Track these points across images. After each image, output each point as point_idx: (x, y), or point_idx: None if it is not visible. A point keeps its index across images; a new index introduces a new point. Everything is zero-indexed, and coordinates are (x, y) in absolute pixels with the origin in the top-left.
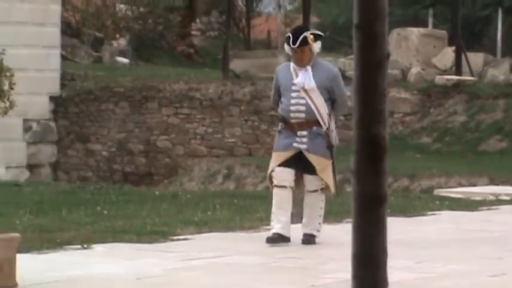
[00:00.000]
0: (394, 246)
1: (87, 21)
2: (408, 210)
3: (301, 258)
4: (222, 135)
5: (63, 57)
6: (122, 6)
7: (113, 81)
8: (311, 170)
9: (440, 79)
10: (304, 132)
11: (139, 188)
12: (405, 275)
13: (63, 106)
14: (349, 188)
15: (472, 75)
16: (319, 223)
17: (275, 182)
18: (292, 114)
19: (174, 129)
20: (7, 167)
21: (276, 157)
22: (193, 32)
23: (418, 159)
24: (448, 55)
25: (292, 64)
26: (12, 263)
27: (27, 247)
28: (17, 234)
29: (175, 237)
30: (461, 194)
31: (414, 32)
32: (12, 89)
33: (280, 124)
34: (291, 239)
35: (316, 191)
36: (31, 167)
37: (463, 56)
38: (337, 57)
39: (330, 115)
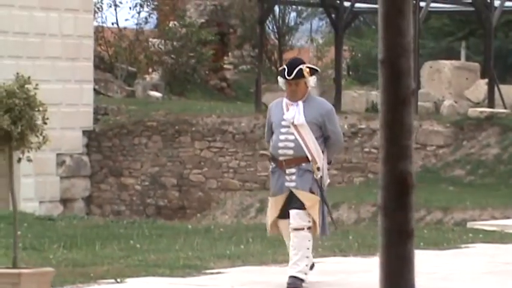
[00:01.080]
0: (427, 279)
1: (119, 55)
2: (441, 243)
3: None
4: (254, 169)
5: (96, 92)
6: (154, 40)
7: (145, 115)
8: (298, 205)
9: (473, 111)
10: (293, 170)
11: (172, 222)
12: None
13: (96, 140)
14: None
15: (505, 107)
16: (307, 265)
17: (283, 235)
18: (280, 151)
19: (206, 163)
20: (41, 202)
21: (274, 203)
22: (225, 66)
23: (451, 191)
24: (480, 87)
25: (285, 99)
26: None
27: (60, 281)
28: (50, 269)
29: (208, 271)
30: (495, 226)
31: (447, 64)
32: (45, 123)
33: (271, 164)
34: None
35: (302, 229)
36: (64, 201)
37: (495, 88)
38: (369, 90)
39: (322, 153)
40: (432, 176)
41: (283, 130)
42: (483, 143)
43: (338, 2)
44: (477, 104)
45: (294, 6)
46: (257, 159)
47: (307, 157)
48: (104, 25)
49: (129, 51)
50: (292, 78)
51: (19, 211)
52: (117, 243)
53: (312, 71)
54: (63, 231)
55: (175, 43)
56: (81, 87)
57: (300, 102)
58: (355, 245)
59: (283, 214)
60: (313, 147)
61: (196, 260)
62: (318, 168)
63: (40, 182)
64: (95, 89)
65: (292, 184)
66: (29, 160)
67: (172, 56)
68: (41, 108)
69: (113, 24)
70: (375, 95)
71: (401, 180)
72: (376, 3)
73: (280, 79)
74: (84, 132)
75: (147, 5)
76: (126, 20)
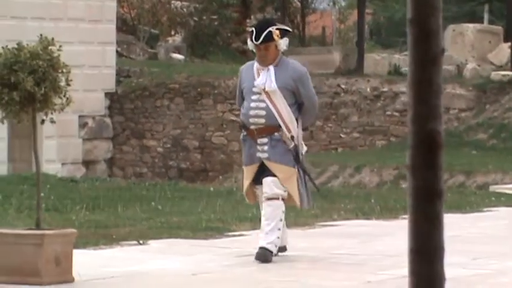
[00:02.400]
0: (450, 242)
1: (142, 17)
2: (464, 206)
3: (357, 255)
4: None
5: (119, 54)
6: (177, 2)
7: (168, 77)
8: (272, 173)
9: (495, 75)
10: (265, 140)
11: (194, 184)
12: (461, 271)
13: (118, 102)
14: (404, 185)
15: None
16: (278, 237)
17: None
18: (251, 120)
19: (229, 126)
20: (63, 163)
21: (246, 172)
22: (248, 29)
23: (473, 155)
24: (503, 51)
25: (255, 63)
26: (68, 258)
27: (83, 243)
28: (73, 230)
29: (230, 234)
30: None
31: (470, 28)
32: (69, 85)
33: (242, 131)
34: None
35: (277, 198)
36: (87, 163)
37: None
38: (392, 54)
39: (296, 120)
40: (454, 139)
41: (253, 97)
42: (506, 107)
43: None
44: (500, 68)
45: None
46: None
47: (279, 126)
48: None
49: (152, 13)
50: (261, 42)
51: (42, 173)
52: (140, 205)
53: (283, 33)
54: (85, 192)
55: (197, 5)
56: (104, 49)
57: (271, 67)
58: (378, 208)
59: (258, 181)
60: (286, 115)
61: (219, 223)
62: (292, 137)
63: (62, 144)
64: (117, 51)
65: (265, 155)
66: (52, 122)
67: (195, 18)
68: (64, 70)
69: None
70: (398, 58)
71: (430, 140)
72: None
73: (249, 43)
74: (106, 94)
75: None
76: None
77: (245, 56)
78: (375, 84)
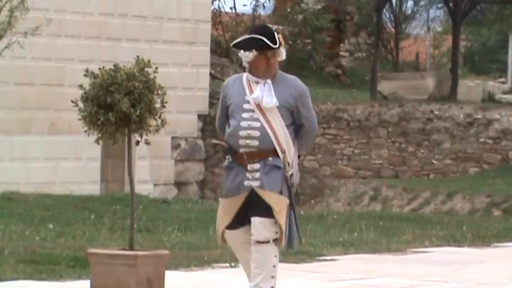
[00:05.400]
0: None
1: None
2: None
3: (447, 282)
4: (368, 157)
5: (212, 76)
6: (271, 26)
7: None
8: (263, 211)
9: None
10: (257, 165)
11: None
12: None
13: (211, 124)
14: (496, 212)
15: None
16: (272, 287)
17: (233, 249)
18: (241, 141)
19: (321, 150)
20: (155, 184)
21: (228, 207)
22: (341, 53)
23: None
24: None
25: (246, 76)
26: (161, 280)
27: (175, 264)
28: (166, 252)
29: (321, 258)
30: None
31: None
32: (164, 107)
33: (227, 157)
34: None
35: (267, 242)
36: (178, 185)
37: None
38: (485, 80)
39: (293, 144)
40: None
41: (245, 115)
42: None
43: None
44: None
45: None
46: (371, 147)
47: (275, 149)
48: (222, 10)
49: None
50: (277, 47)
51: (135, 193)
52: None
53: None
54: (177, 214)
55: (291, 29)
56: (198, 71)
57: (269, 81)
58: (469, 236)
59: (237, 222)
60: (282, 137)
61: (310, 247)
62: (288, 164)
63: (155, 165)
64: (211, 73)
65: (256, 183)
66: (147, 143)
67: (289, 42)
68: (159, 92)
69: (231, 9)
70: (491, 85)
71: None
72: None
73: (246, 54)
74: (199, 116)
75: None
76: (244, 5)
77: (338, 79)
78: (469, 110)
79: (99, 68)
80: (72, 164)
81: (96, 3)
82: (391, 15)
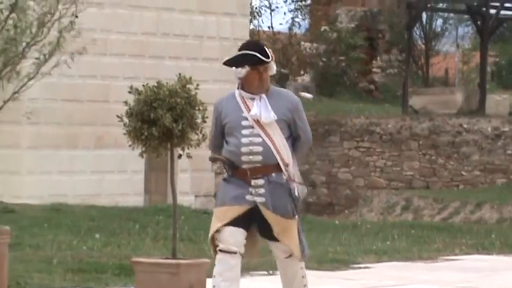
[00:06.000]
0: None
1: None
2: None
3: None
4: (400, 168)
5: None
6: (306, 43)
7: None
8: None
9: None
10: (261, 181)
11: (321, 217)
12: None
13: None
14: None
15: None
16: None
17: (220, 246)
18: (244, 158)
19: (354, 162)
20: (196, 196)
21: (223, 213)
22: (374, 69)
23: None
24: None
25: (239, 93)
26: (202, 287)
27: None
28: (207, 260)
29: (355, 266)
30: None
31: None
32: (205, 122)
33: (227, 172)
34: None
35: (289, 256)
36: None
37: None
38: None
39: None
40: None
41: (245, 132)
42: None
43: (484, 9)
44: None
45: (440, 13)
46: (403, 159)
47: (278, 164)
48: (259, 29)
49: (282, 54)
50: (268, 62)
51: (177, 204)
52: None
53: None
54: None
55: (326, 46)
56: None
57: (264, 96)
58: (498, 244)
59: (233, 223)
60: (284, 151)
61: (344, 255)
62: (291, 176)
63: (196, 177)
64: None
65: (261, 199)
66: (189, 156)
67: (323, 58)
68: (200, 107)
69: (268, 27)
70: None
71: None
72: None
73: (238, 70)
74: None
75: (301, 11)
76: (280, 24)
77: (371, 95)
78: (496, 124)
79: (143, 85)
80: (117, 176)
81: (140, 23)
82: (422, 33)
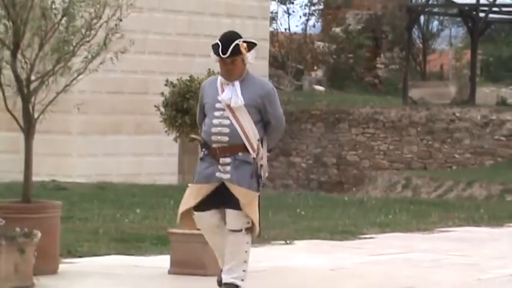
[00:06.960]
0: None
1: (290, 55)
2: None
3: (470, 256)
4: (401, 152)
5: None
6: (319, 43)
7: (310, 105)
8: (234, 204)
9: None
10: (228, 160)
11: (332, 194)
12: None
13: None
14: (509, 198)
15: None
16: (244, 270)
17: (202, 231)
18: (213, 137)
19: (361, 146)
20: None
21: (196, 191)
22: (378, 66)
23: None
24: None
25: (219, 78)
26: None
27: None
28: None
29: (362, 236)
30: None
31: None
32: None
33: (202, 150)
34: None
35: (240, 230)
36: None
37: None
38: (499, 87)
39: (261, 140)
40: None
41: (216, 113)
42: None
43: (474, 13)
44: None
45: (436, 16)
46: (403, 143)
47: (244, 145)
48: (278, 30)
49: (298, 52)
50: (228, 56)
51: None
52: (287, 211)
53: (250, 46)
54: None
55: (336, 46)
56: None
57: (237, 82)
58: (486, 217)
59: (204, 206)
60: (251, 133)
61: (352, 227)
62: (254, 159)
63: None
64: None
65: (227, 176)
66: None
67: (334, 56)
68: None
69: (285, 29)
70: (504, 91)
71: None
72: (507, 14)
73: (213, 56)
74: None
75: (315, 14)
76: (296, 26)
77: (375, 88)
78: (485, 113)
79: (177, 79)
80: (155, 158)
81: (174, 25)
82: (420, 34)
